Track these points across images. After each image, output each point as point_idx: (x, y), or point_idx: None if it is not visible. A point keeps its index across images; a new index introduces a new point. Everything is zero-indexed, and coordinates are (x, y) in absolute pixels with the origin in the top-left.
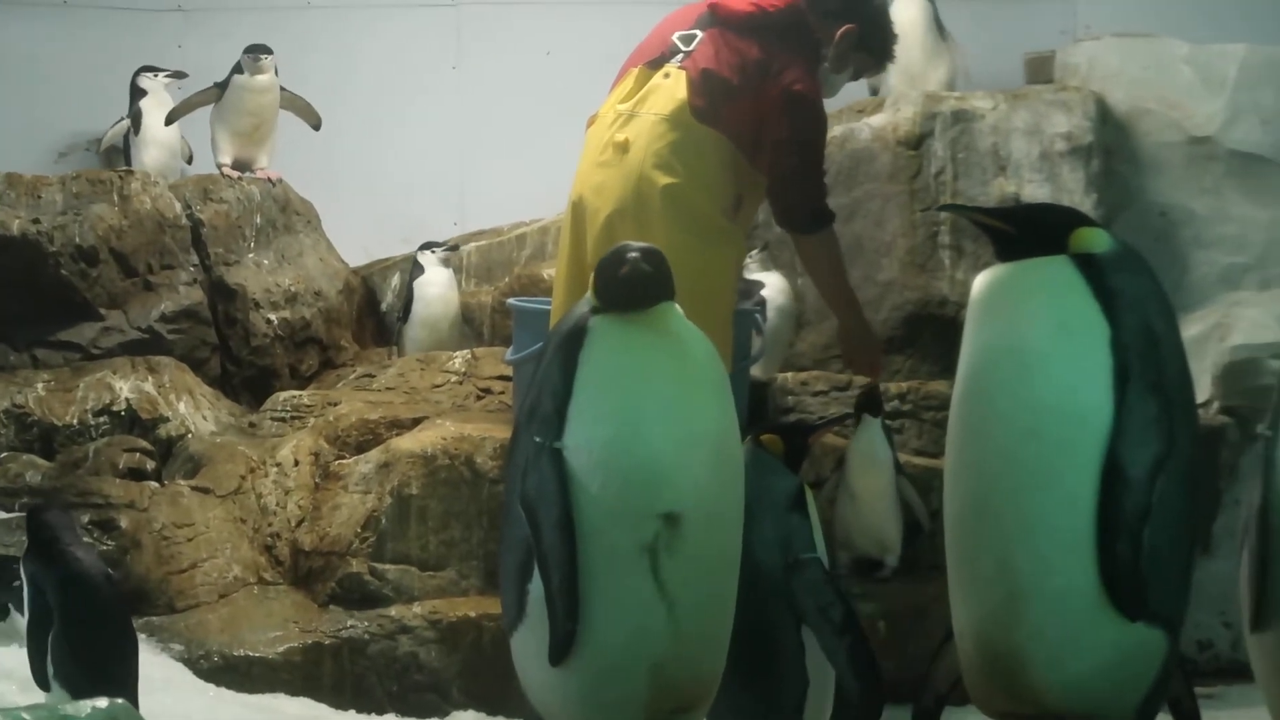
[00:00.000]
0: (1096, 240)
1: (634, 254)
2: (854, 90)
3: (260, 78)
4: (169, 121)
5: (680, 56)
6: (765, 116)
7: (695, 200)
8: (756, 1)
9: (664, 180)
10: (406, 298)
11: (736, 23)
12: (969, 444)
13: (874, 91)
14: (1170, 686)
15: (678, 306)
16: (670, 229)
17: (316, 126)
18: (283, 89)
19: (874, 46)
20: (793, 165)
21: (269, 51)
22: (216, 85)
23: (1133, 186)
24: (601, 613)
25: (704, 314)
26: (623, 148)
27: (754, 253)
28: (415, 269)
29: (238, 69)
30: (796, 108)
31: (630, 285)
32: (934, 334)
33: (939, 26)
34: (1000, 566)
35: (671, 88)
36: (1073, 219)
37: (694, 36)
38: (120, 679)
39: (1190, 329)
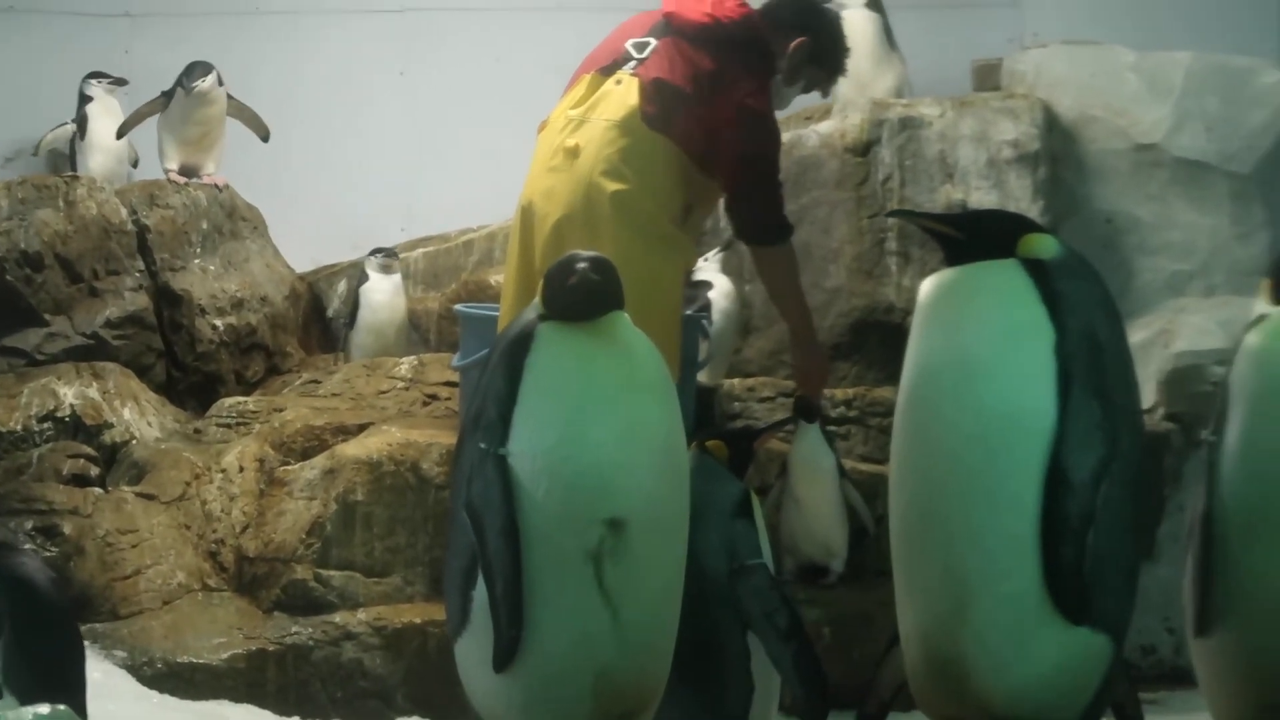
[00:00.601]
0: (1045, 246)
1: (583, 264)
2: (803, 97)
3: (205, 93)
4: (120, 134)
5: (633, 64)
6: (718, 128)
7: (644, 207)
8: (711, 12)
9: (613, 186)
10: (353, 304)
11: (691, 32)
12: (914, 448)
13: (825, 95)
14: (1115, 691)
15: (627, 315)
16: (618, 235)
17: (265, 138)
18: (231, 98)
19: (827, 60)
20: (750, 179)
21: (209, 71)
22: (164, 95)
23: (1079, 193)
24: (546, 619)
25: (651, 321)
26: (573, 153)
27: (714, 252)
28: (361, 275)
29: (182, 81)
30: (750, 121)
31: (578, 295)
32: (880, 340)
33: (888, 36)
34: (945, 571)
35: (623, 94)
36: (1021, 225)
37: (648, 44)
38: (71, 685)
39: (1135, 335)
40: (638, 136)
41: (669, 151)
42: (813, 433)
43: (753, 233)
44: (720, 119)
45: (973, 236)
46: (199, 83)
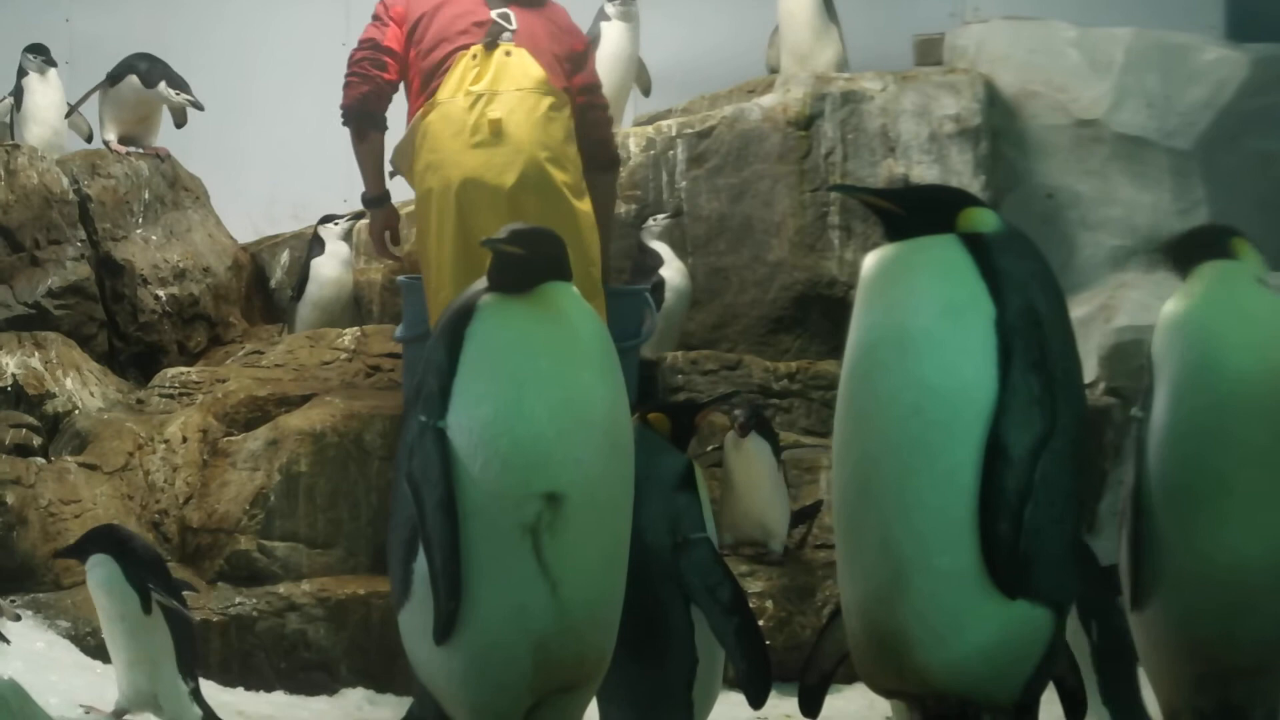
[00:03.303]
0: (984, 220)
1: (511, 235)
2: (745, 70)
3: (158, 93)
4: (69, 115)
5: (507, 34)
6: (581, 71)
7: (578, 173)
8: None
9: (551, 155)
10: (301, 276)
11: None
12: (855, 423)
13: (773, 69)
14: (1057, 665)
15: (572, 287)
16: (570, 203)
17: (180, 124)
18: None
19: None
20: (604, 104)
21: (185, 86)
22: (109, 78)
23: (1020, 168)
24: (484, 592)
25: (597, 286)
26: (497, 126)
27: (659, 218)
28: (315, 244)
29: (131, 69)
30: (591, 55)
31: (509, 267)
32: (823, 313)
33: (828, 8)
34: (884, 545)
35: (521, 64)
36: (960, 199)
37: (508, 14)
38: None
39: (1076, 310)
40: (551, 102)
41: (568, 112)
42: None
43: (605, 157)
44: (582, 62)
45: (912, 211)
46: (179, 95)
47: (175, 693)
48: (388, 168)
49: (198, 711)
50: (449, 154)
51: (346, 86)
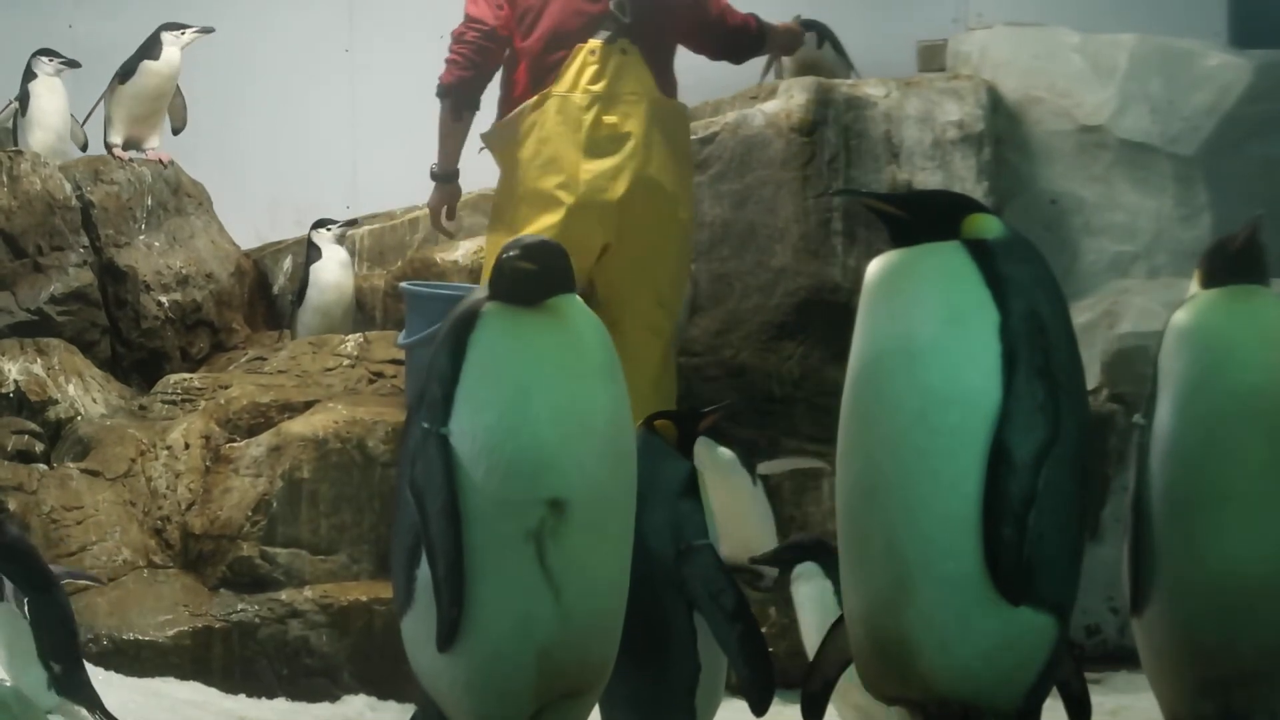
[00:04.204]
0: (988, 226)
1: (522, 251)
2: (748, 76)
3: (170, 60)
4: (82, 124)
5: (623, 28)
6: (707, 6)
7: (684, 182)
8: None
9: (661, 165)
10: (301, 282)
11: None
12: (859, 429)
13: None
14: (1060, 671)
15: (577, 297)
16: (676, 212)
17: (177, 130)
18: None
19: None
20: (725, 7)
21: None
22: (119, 76)
23: (1023, 174)
24: (487, 599)
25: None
26: (614, 132)
27: None
28: (311, 251)
29: (140, 58)
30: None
31: (517, 280)
32: (826, 320)
33: (841, 55)
34: (887, 551)
35: (636, 69)
36: (965, 204)
37: (624, 4)
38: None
39: (1079, 316)
40: (669, 109)
41: (681, 122)
42: (703, 443)
43: (747, 44)
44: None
45: (917, 216)
46: (184, 34)
47: (29, 678)
48: (477, 144)
49: (54, 698)
50: (562, 152)
51: (450, 64)
